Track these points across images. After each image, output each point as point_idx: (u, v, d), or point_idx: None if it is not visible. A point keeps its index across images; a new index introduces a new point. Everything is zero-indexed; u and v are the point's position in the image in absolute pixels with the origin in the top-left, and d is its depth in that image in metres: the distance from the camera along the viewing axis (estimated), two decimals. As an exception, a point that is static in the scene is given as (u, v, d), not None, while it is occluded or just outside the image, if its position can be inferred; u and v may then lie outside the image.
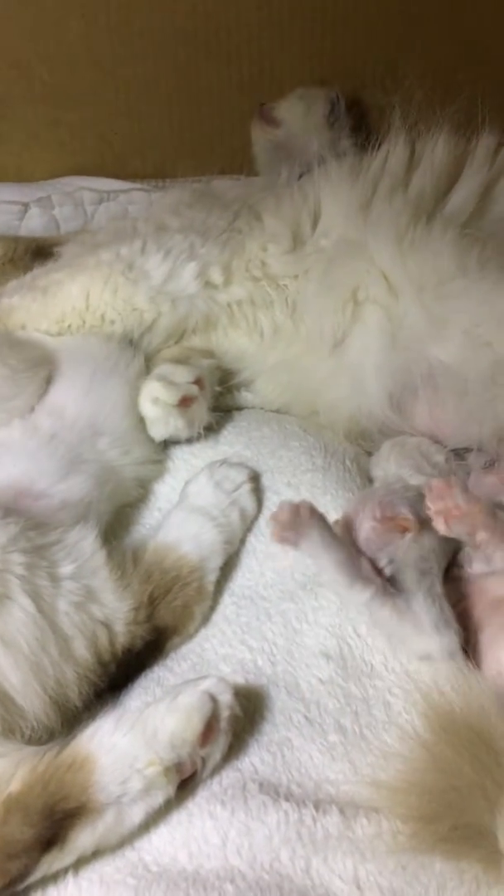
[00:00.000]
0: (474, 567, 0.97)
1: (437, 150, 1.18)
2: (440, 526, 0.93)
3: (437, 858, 0.75)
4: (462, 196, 1.16)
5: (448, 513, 0.92)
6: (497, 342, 1.06)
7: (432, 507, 0.93)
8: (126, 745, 0.80)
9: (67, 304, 1.17)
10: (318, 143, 1.43)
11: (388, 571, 0.96)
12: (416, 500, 1.00)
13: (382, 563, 0.96)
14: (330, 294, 1.18)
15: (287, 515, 0.91)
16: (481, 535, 0.93)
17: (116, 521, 1.10)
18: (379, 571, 0.95)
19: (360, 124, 1.58)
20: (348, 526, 0.99)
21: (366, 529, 0.96)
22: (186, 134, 1.67)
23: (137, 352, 1.20)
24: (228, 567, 1.04)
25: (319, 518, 0.93)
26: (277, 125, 1.58)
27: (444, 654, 0.88)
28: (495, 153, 1.18)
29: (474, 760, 0.74)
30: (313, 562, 0.95)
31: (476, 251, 1.09)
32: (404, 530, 0.97)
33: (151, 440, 1.15)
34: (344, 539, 0.96)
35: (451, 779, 0.74)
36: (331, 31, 1.60)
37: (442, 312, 1.10)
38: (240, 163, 1.56)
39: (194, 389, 1.13)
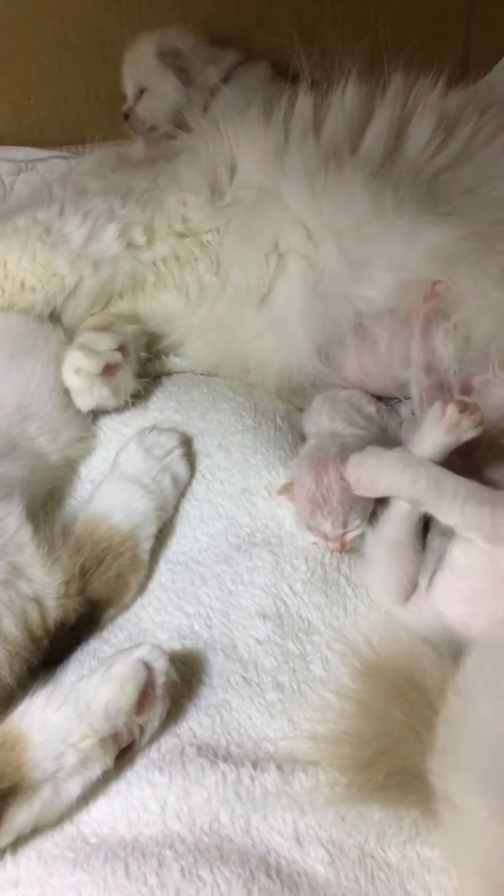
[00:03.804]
0: None
1: (348, 91, 1.16)
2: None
3: (376, 807, 0.75)
4: (374, 137, 1.14)
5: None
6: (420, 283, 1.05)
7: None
8: (58, 719, 0.79)
9: None
10: (194, 101, 1.39)
11: (360, 530, 0.94)
12: (360, 449, 0.99)
13: (355, 523, 0.94)
14: (252, 246, 1.16)
15: None
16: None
17: (48, 495, 1.08)
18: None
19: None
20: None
21: (336, 492, 0.94)
22: (104, 96, 1.62)
23: (58, 325, 1.17)
24: (163, 534, 1.03)
25: None
26: (146, 125, 1.52)
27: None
28: (406, 92, 1.16)
29: (405, 704, 0.74)
30: None
31: (390, 191, 1.08)
32: None
33: (79, 417, 1.12)
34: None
35: (383, 724, 0.74)
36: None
37: (362, 256, 1.09)
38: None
39: (117, 356, 1.10)
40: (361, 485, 0.91)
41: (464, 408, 0.88)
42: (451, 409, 0.88)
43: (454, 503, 0.84)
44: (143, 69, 1.50)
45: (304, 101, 1.17)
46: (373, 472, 0.90)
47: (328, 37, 1.14)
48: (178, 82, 1.46)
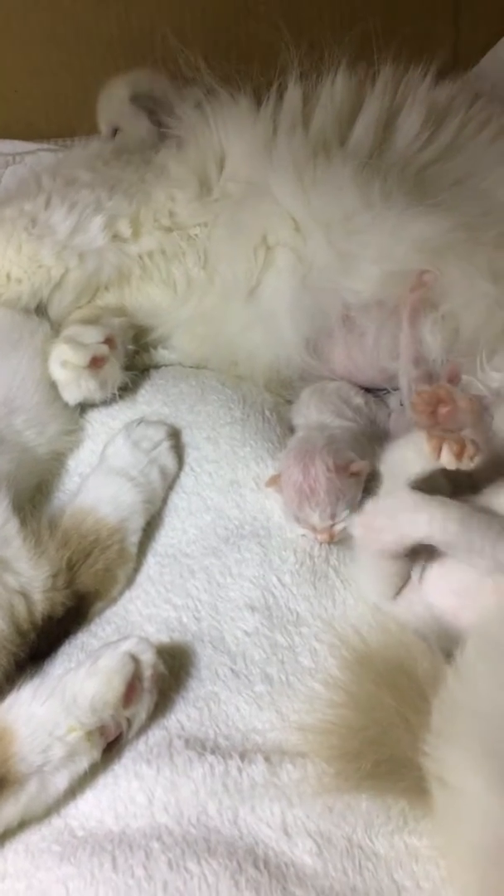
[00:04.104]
0: None
1: (337, 83, 1.15)
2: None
3: (364, 797, 0.74)
4: (363, 128, 1.14)
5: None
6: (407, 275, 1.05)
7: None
8: (45, 713, 0.78)
9: None
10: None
11: (348, 521, 0.93)
12: (349, 440, 1.00)
13: (343, 514, 0.94)
14: (240, 240, 1.15)
15: None
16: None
17: (35, 488, 1.08)
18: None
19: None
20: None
21: (323, 483, 0.94)
22: (91, 89, 1.60)
23: (44, 318, 1.16)
24: (151, 527, 1.02)
25: None
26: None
27: None
28: (395, 83, 1.16)
29: (395, 692, 0.74)
30: None
31: (378, 183, 1.07)
32: (354, 475, 0.95)
33: (66, 411, 1.12)
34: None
35: (373, 713, 0.74)
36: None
37: (351, 248, 1.08)
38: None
39: (104, 349, 1.10)
40: (385, 538, 0.82)
41: (460, 450, 0.79)
42: (446, 451, 0.79)
43: (483, 549, 0.79)
44: (116, 111, 1.50)
45: (293, 93, 1.17)
46: (389, 528, 0.82)
47: (316, 28, 1.13)
48: (150, 124, 1.47)
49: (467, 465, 0.78)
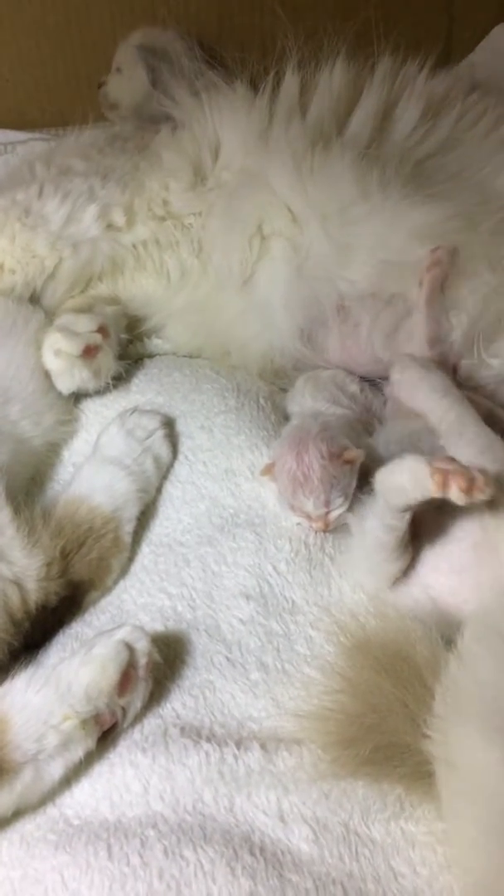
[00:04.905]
0: None
1: (335, 73, 1.15)
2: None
3: (360, 784, 0.74)
4: (361, 119, 1.13)
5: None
6: (404, 262, 1.04)
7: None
8: (39, 701, 0.78)
9: None
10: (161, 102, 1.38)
11: (342, 509, 0.93)
12: (344, 427, 1.00)
13: (337, 502, 0.93)
14: (235, 229, 1.15)
15: None
16: None
17: (30, 479, 1.07)
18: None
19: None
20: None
21: (316, 471, 0.93)
22: (82, 78, 1.60)
23: (37, 306, 1.16)
24: (146, 516, 1.02)
25: None
26: (109, 100, 1.51)
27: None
28: (394, 74, 1.15)
29: (394, 678, 0.74)
30: None
31: (376, 174, 1.07)
32: (348, 462, 0.94)
33: (61, 400, 1.11)
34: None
35: (371, 699, 0.73)
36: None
37: (347, 239, 1.08)
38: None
39: (97, 338, 1.09)
40: (402, 388, 0.93)
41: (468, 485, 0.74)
42: (454, 488, 0.74)
43: (469, 449, 0.84)
44: (123, 52, 1.50)
45: (290, 82, 1.16)
46: (417, 383, 0.92)
47: (312, 16, 1.12)
48: (145, 79, 1.46)
49: (480, 497, 0.73)
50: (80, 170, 1.19)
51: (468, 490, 0.73)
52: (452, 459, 0.76)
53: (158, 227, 1.18)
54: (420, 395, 0.93)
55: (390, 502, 0.81)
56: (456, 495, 0.73)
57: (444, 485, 0.74)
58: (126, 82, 1.49)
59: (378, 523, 0.84)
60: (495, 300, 1.02)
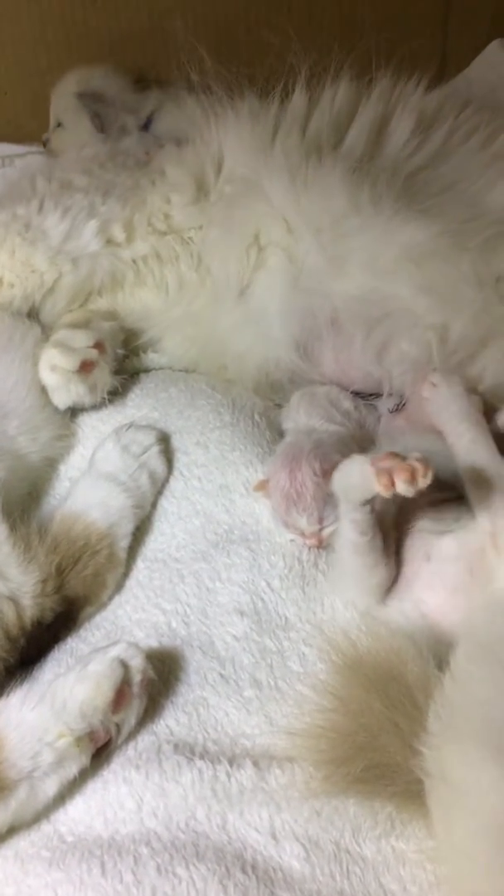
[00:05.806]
0: None
1: (339, 91, 1.16)
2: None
3: (351, 802, 0.75)
4: (356, 134, 1.15)
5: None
6: (394, 279, 1.05)
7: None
8: (34, 718, 0.78)
9: None
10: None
11: (336, 526, 0.93)
12: (337, 444, 1.00)
13: (331, 518, 0.94)
14: (232, 239, 1.16)
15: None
16: None
17: (26, 493, 1.07)
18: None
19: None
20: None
21: (309, 488, 0.94)
22: (80, 91, 1.60)
23: (34, 322, 1.16)
24: (140, 531, 1.02)
25: None
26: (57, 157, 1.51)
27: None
28: (390, 90, 1.17)
29: (385, 698, 0.75)
30: None
31: (367, 188, 1.08)
32: None
33: (58, 415, 1.11)
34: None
35: (362, 718, 0.74)
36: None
37: (339, 252, 1.09)
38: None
39: (94, 353, 1.10)
40: (436, 397, 0.98)
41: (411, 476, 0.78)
42: (399, 481, 0.77)
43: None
44: (62, 104, 1.52)
45: (298, 99, 1.17)
46: (445, 403, 0.97)
47: (323, 38, 1.13)
48: (91, 127, 1.47)
49: (424, 483, 0.78)
50: (82, 185, 1.20)
51: (412, 481, 0.77)
52: (394, 454, 0.79)
53: (159, 242, 1.19)
54: (444, 416, 0.96)
55: (346, 498, 0.85)
56: (403, 488, 0.77)
57: (390, 483, 0.77)
58: (70, 135, 1.49)
59: (346, 523, 0.86)
60: (483, 317, 1.03)
